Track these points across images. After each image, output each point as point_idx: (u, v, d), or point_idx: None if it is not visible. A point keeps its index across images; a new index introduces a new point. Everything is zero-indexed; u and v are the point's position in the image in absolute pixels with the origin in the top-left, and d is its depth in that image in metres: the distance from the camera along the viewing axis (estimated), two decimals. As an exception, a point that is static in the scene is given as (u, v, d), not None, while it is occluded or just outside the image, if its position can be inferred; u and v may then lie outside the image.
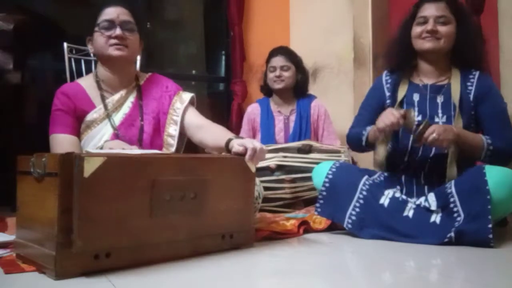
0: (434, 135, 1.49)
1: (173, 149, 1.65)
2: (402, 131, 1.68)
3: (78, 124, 1.58)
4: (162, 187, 1.15)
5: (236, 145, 1.38)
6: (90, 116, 1.58)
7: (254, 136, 2.59)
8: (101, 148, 1.49)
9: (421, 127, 1.51)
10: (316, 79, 3.32)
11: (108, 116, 1.59)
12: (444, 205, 1.52)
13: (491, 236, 1.37)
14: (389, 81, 1.80)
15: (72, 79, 2.43)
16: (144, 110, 1.65)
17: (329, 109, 2.65)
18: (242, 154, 1.35)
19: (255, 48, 3.38)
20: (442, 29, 1.66)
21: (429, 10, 1.68)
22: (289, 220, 1.77)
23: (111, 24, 1.57)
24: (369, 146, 1.75)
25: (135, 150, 1.34)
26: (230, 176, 1.32)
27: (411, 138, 1.62)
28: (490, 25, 2.40)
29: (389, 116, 1.57)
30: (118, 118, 1.61)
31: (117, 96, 1.62)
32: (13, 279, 1.05)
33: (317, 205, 1.67)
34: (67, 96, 1.59)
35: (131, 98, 1.65)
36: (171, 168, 1.19)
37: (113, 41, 1.56)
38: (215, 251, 1.29)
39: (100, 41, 1.58)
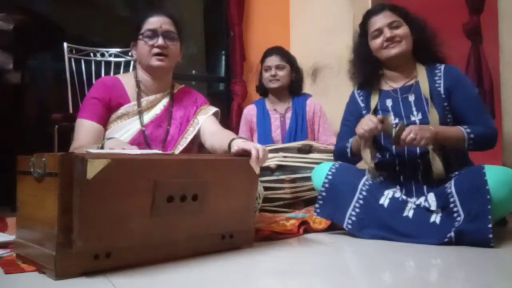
0: (411, 135, 1.51)
1: (181, 148, 1.70)
2: (384, 136, 1.70)
3: (107, 114, 1.65)
4: (163, 188, 1.14)
5: (235, 145, 1.38)
6: (123, 109, 1.66)
7: (252, 137, 2.60)
8: (102, 147, 1.49)
9: (396, 129, 1.53)
10: (316, 79, 3.32)
11: (140, 113, 1.67)
12: (444, 205, 1.52)
13: (491, 236, 1.37)
14: (361, 93, 1.84)
15: (72, 79, 2.44)
16: (173, 116, 1.74)
17: (329, 109, 2.65)
18: (241, 155, 1.35)
19: (255, 48, 3.38)
20: (399, 32, 1.70)
21: (379, 22, 1.72)
22: (289, 220, 1.77)
23: (154, 33, 1.65)
24: (355, 156, 1.77)
25: (135, 150, 1.34)
26: (232, 177, 1.32)
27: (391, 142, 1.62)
28: (490, 25, 2.40)
29: (367, 122, 1.60)
30: (148, 116, 1.69)
31: (152, 97, 1.72)
32: (13, 279, 1.05)
33: (317, 205, 1.67)
34: (106, 86, 1.67)
35: (164, 102, 1.75)
36: (173, 169, 1.18)
37: (155, 50, 1.65)
38: (215, 251, 1.29)
39: (143, 50, 1.67)
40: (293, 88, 2.58)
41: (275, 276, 1.12)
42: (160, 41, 1.64)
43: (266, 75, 2.54)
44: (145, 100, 1.70)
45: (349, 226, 1.59)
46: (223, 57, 3.61)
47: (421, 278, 1.11)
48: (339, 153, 1.83)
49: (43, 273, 1.06)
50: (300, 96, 2.59)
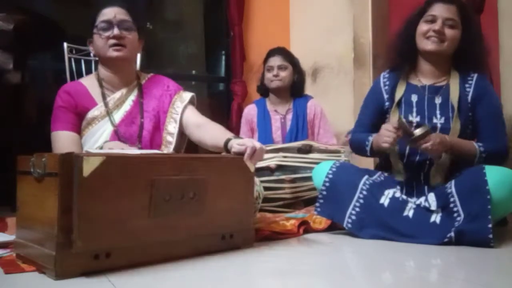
0: (428, 145, 1.51)
1: (171, 147, 1.66)
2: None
3: (79, 121, 1.60)
4: (161, 186, 1.15)
5: (236, 144, 1.39)
6: (91, 113, 1.60)
7: (252, 136, 2.60)
8: (101, 148, 1.49)
9: (419, 131, 1.53)
10: (316, 79, 3.32)
11: (108, 113, 1.61)
12: (444, 205, 1.52)
13: (491, 236, 1.37)
14: (387, 83, 1.81)
15: (72, 79, 2.43)
16: (145, 108, 1.67)
17: (329, 109, 2.65)
18: (242, 154, 1.36)
19: (255, 48, 3.38)
20: (448, 32, 1.65)
21: (440, 10, 1.67)
22: (289, 220, 1.77)
23: (109, 24, 1.59)
24: (374, 155, 1.77)
25: (134, 150, 1.34)
26: (229, 176, 1.32)
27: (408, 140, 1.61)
28: (490, 25, 2.40)
29: (387, 134, 1.58)
30: (118, 115, 1.63)
31: (118, 94, 1.65)
32: (13, 279, 1.05)
33: (317, 204, 1.67)
34: (69, 94, 1.61)
35: (132, 97, 1.67)
36: (170, 167, 1.18)
37: (111, 41, 1.59)
38: (215, 251, 1.29)
39: (99, 42, 1.61)
40: (295, 89, 2.58)
41: (275, 276, 1.12)
42: (115, 31, 1.58)
43: (268, 75, 2.54)
44: (111, 99, 1.64)
45: (349, 225, 1.59)
46: (223, 57, 3.61)
47: (421, 278, 1.11)
48: (357, 146, 1.81)
49: (43, 273, 1.06)
50: (301, 97, 2.59)
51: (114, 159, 1.08)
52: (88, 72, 2.49)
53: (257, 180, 1.55)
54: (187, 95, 1.73)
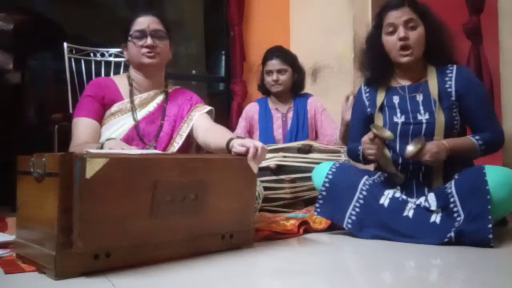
0: (427, 157, 1.52)
1: (177, 146, 1.71)
2: (389, 142, 1.70)
3: (103, 112, 1.68)
4: (163, 188, 1.14)
5: (237, 145, 1.39)
6: (116, 106, 1.69)
7: (250, 134, 2.60)
8: (101, 147, 1.49)
9: (415, 147, 1.53)
10: (316, 79, 3.32)
11: (132, 109, 1.69)
12: (444, 205, 1.52)
13: (491, 236, 1.37)
14: (367, 90, 1.82)
15: (72, 79, 2.44)
16: (167, 113, 1.76)
17: (329, 108, 2.65)
18: (243, 154, 1.36)
19: (255, 48, 3.38)
20: (413, 35, 1.65)
21: (395, 17, 1.67)
22: (289, 220, 1.77)
23: (142, 34, 1.68)
24: (367, 161, 1.79)
25: (134, 150, 1.34)
26: (231, 177, 1.32)
27: (405, 151, 1.60)
28: (490, 25, 2.40)
29: (367, 147, 1.62)
30: (141, 113, 1.71)
31: (145, 95, 1.74)
32: (13, 279, 1.05)
33: (317, 205, 1.67)
34: (99, 85, 1.71)
35: (158, 100, 1.76)
36: (173, 169, 1.18)
37: (145, 50, 1.67)
38: (215, 251, 1.29)
39: (133, 50, 1.70)
40: (295, 89, 2.58)
41: (275, 276, 1.12)
42: (148, 41, 1.67)
43: (268, 79, 2.53)
44: (138, 98, 1.73)
45: (349, 226, 1.59)
46: (223, 57, 3.61)
47: (421, 278, 1.11)
48: (352, 155, 1.84)
49: (43, 273, 1.06)
50: (301, 96, 2.59)
51: (117, 160, 1.07)
52: (88, 72, 2.50)
53: (257, 180, 1.54)
54: (206, 107, 1.81)
